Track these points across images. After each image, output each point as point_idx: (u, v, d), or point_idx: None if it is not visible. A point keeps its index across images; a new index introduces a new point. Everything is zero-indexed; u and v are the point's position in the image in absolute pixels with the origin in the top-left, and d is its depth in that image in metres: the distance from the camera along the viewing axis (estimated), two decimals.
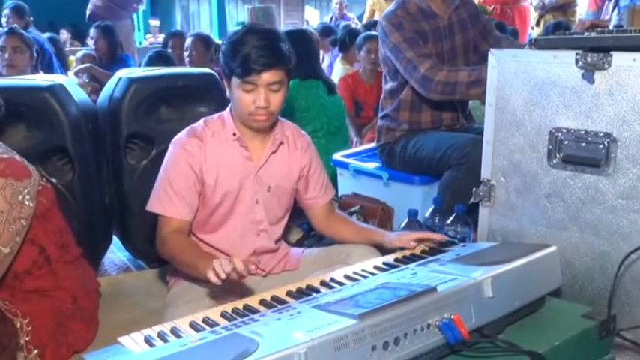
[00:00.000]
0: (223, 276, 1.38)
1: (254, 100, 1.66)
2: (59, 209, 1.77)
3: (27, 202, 1.56)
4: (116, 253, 2.62)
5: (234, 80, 1.67)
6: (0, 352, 1.52)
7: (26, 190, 1.55)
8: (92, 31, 4.76)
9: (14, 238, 1.53)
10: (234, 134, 1.77)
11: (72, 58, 5.73)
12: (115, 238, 2.46)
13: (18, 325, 1.57)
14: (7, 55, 3.38)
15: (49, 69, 4.38)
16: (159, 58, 3.95)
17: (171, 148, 1.79)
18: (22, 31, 3.69)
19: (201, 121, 1.82)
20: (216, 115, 1.83)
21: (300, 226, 2.34)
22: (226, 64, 1.68)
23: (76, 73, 4.16)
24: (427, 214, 2.14)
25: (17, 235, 1.54)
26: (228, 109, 1.81)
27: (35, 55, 3.55)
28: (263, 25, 1.79)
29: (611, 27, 2.92)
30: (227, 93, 1.75)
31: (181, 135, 1.79)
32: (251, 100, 1.66)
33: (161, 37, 7.39)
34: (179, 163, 1.74)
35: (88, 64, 4.31)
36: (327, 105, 3.27)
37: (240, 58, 1.62)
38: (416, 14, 2.43)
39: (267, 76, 1.64)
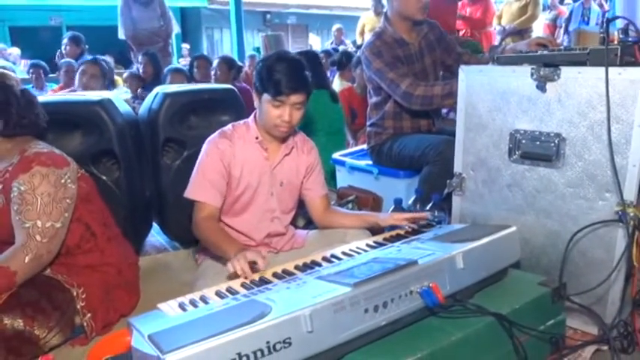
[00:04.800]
0: (242, 275, 1.37)
1: (280, 115, 1.67)
2: (98, 194, 1.77)
3: (69, 185, 1.57)
4: (156, 237, 2.62)
5: (266, 96, 1.67)
6: (61, 315, 1.53)
7: (67, 175, 1.57)
8: (141, 58, 4.75)
9: (63, 214, 1.54)
10: (257, 137, 1.77)
11: (117, 78, 5.73)
12: (154, 225, 2.47)
13: (74, 293, 1.58)
14: (84, 79, 3.33)
15: None
16: (175, 71, 4.27)
17: (205, 146, 1.78)
18: (102, 60, 3.57)
19: (229, 126, 1.82)
20: (241, 122, 1.83)
21: (305, 214, 2.34)
22: (260, 83, 1.68)
23: None
24: (410, 202, 2.14)
25: (65, 211, 1.55)
26: (252, 116, 1.81)
27: (106, 83, 3.46)
28: (291, 54, 1.79)
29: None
30: (255, 103, 1.75)
31: (214, 135, 1.79)
32: (277, 114, 1.67)
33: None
34: (212, 158, 1.74)
35: None
36: (330, 111, 3.25)
37: (274, 81, 1.63)
38: (392, 43, 2.41)
39: (294, 98, 1.65)
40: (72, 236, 1.61)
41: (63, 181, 1.55)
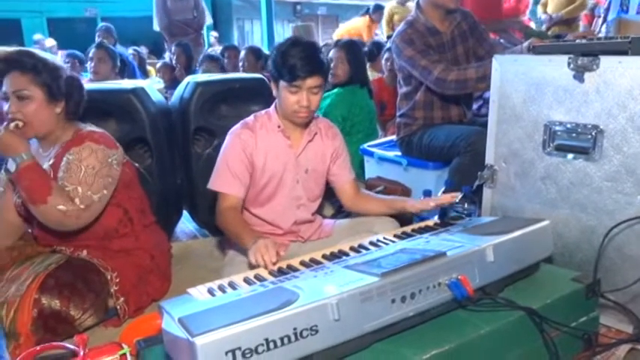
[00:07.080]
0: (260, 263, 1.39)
1: (298, 100, 1.66)
2: (139, 182, 1.83)
3: (114, 166, 1.63)
4: (186, 224, 2.67)
5: (282, 83, 1.66)
6: (95, 297, 1.58)
7: (114, 156, 1.63)
8: (174, 49, 4.84)
9: (102, 190, 1.59)
10: (279, 126, 1.76)
11: (150, 68, 5.83)
12: (185, 212, 2.51)
13: (109, 277, 1.63)
14: (93, 64, 3.52)
15: (132, 76, 4.47)
16: (209, 58, 4.35)
17: (228, 137, 1.79)
18: (107, 45, 3.81)
19: (251, 116, 1.82)
20: (263, 111, 1.83)
21: (333, 203, 2.34)
22: (276, 70, 1.67)
23: None
24: (439, 194, 2.10)
25: (105, 188, 1.60)
26: (273, 106, 1.81)
27: (118, 64, 3.63)
28: (304, 38, 1.77)
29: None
30: (274, 93, 1.74)
31: (236, 127, 1.79)
32: (295, 100, 1.66)
33: (219, 49, 7.44)
34: (235, 148, 1.74)
35: None
36: (371, 111, 3.19)
37: (289, 66, 1.62)
38: (424, 32, 2.37)
39: (310, 82, 1.64)
40: (111, 220, 1.66)
41: (110, 160, 1.62)
